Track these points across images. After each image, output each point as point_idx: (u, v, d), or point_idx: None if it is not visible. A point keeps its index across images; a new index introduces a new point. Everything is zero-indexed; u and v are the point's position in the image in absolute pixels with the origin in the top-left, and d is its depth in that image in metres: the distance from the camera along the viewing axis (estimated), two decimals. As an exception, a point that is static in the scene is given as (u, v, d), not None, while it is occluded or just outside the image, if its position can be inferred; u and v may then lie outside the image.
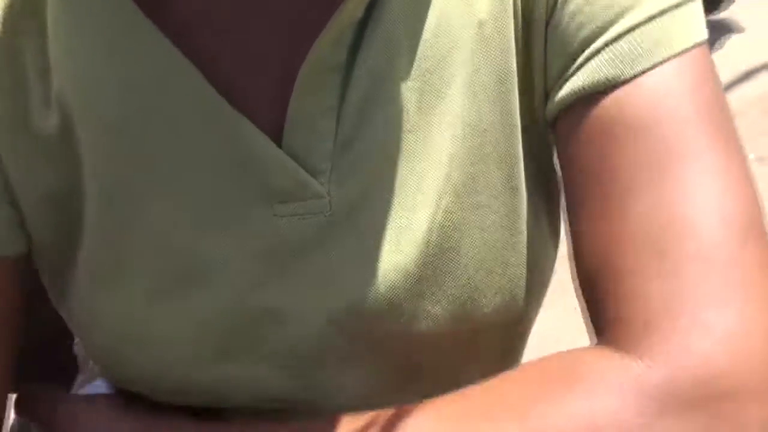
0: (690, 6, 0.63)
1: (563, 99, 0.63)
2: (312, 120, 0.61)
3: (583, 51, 0.62)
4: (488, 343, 0.69)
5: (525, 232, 0.66)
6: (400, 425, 0.58)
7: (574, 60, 0.63)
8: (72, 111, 0.63)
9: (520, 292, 0.66)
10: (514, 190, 0.65)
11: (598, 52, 0.62)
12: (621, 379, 0.54)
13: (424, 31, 0.62)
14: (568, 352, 0.58)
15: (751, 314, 0.54)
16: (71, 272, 0.67)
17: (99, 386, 0.72)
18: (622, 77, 0.61)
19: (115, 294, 0.65)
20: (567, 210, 0.64)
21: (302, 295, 0.64)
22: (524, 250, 0.66)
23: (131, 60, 0.62)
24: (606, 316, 0.58)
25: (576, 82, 0.62)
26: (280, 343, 0.65)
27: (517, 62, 0.64)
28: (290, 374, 0.66)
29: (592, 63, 0.62)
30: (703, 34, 0.63)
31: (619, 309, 0.57)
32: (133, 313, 0.65)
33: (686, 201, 0.57)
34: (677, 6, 0.63)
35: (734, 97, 3.59)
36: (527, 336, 0.74)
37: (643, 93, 0.60)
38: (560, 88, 0.63)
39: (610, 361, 0.55)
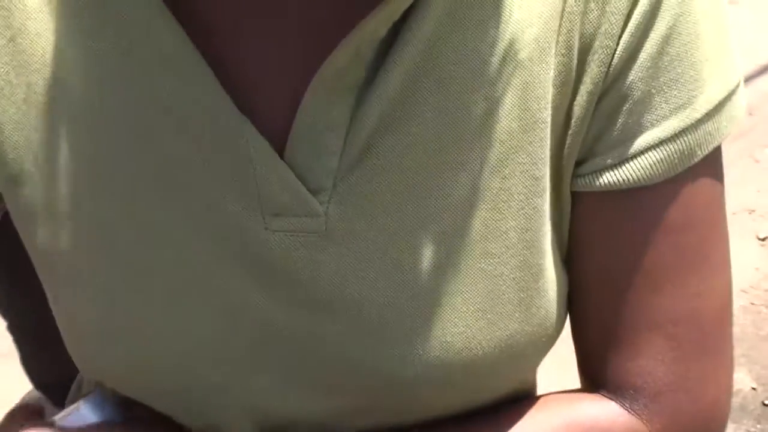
0: (737, 95, 0.63)
1: (603, 184, 0.62)
2: (318, 135, 0.58)
3: (632, 142, 0.60)
4: (483, 392, 0.66)
5: (538, 290, 0.63)
6: None
7: (621, 147, 0.61)
8: (73, 94, 0.60)
9: (522, 349, 0.63)
10: (530, 244, 0.61)
11: (648, 149, 0.61)
12: None
13: (455, 63, 0.58)
14: (581, 406, 0.67)
15: (725, 386, 0.68)
16: (52, 261, 0.64)
17: (83, 415, 0.69)
18: (665, 177, 0.61)
19: (97, 286, 0.62)
20: (575, 274, 0.66)
21: (292, 315, 0.61)
22: (533, 309, 0.63)
23: (142, 43, 0.58)
24: (615, 378, 0.66)
25: (620, 174, 0.61)
26: (265, 355, 0.62)
27: (553, 117, 0.60)
28: (276, 389, 0.64)
29: (640, 160, 0.61)
30: (741, 115, 0.64)
31: (629, 379, 0.66)
32: (114, 307, 0.62)
33: (700, 299, 0.65)
34: (729, 97, 0.62)
35: (750, 91, 3.57)
36: (531, 384, 0.73)
37: (680, 193, 0.63)
38: (600, 171, 0.62)
39: (623, 424, 0.66)
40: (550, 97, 0.60)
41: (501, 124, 0.59)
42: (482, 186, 0.60)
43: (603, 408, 0.66)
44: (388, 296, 0.60)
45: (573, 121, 0.61)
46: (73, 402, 0.73)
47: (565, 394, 0.69)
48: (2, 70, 0.60)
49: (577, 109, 0.60)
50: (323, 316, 0.60)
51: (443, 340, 0.61)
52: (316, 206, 0.59)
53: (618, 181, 0.61)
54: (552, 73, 0.59)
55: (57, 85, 0.60)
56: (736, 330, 2.48)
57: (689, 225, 0.63)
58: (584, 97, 0.60)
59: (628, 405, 0.66)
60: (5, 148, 0.61)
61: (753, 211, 2.92)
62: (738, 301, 2.54)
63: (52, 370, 1.36)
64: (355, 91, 0.57)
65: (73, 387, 0.84)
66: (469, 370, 0.62)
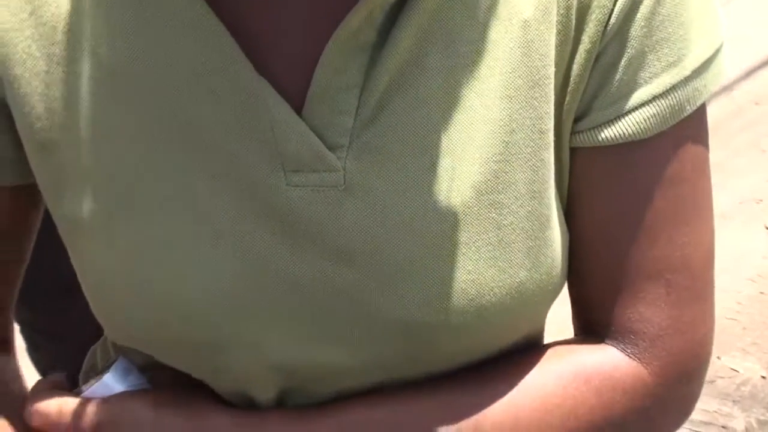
0: (721, 54, 0.67)
1: (600, 139, 0.66)
2: (334, 95, 0.62)
3: (627, 98, 0.65)
4: (495, 338, 0.69)
5: (545, 239, 0.66)
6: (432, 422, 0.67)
7: (616, 104, 0.65)
8: (95, 64, 0.63)
9: (531, 295, 0.66)
10: (538, 194, 0.65)
11: (642, 104, 0.65)
12: (635, 386, 0.70)
13: (463, 24, 0.62)
14: (584, 354, 0.71)
15: (711, 325, 0.72)
16: (79, 225, 0.66)
17: (108, 385, 0.71)
18: (657, 131, 0.66)
19: (124, 245, 0.65)
20: (575, 227, 0.70)
21: (314, 267, 0.64)
22: (541, 257, 0.66)
23: (163, 12, 0.61)
24: (614, 326, 0.70)
25: (617, 129, 0.65)
26: (290, 309, 0.65)
27: (556, 73, 0.64)
28: (299, 342, 0.66)
29: (635, 115, 0.65)
30: (725, 73, 0.68)
31: (630, 325, 0.70)
32: (142, 263, 0.64)
33: (691, 248, 0.69)
34: (715, 55, 0.66)
35: (757, 82, 3.57)
36: (539, 332, 0.76)
37: (671, 146, 0.67)
38: (598, 126, 0.66)
39: (625, 369, 0.70)
40: (552, 54, 0.64)
41: (507, 81, 0.63)
42: (491, 140, 0.63)
43: (605, 355, 0.70)
44: (404, 246, 0.63)
45: (572, 78, 0.65)
46: (88, 379, 0.75)
47: (569, 345, 0.72)
48: (25, 43, 0.63)
49: (576, 67, 0.65)
50: (343, 267, 0.64)
51: (457, 287, 0.64)
52: (335, 162, 0.62)
53: (614, 135, 0.66)
54: (554, 32, 0.63)
55: (78, 56, 0.62)
56: (745, 319, 2.49)
57: (680, 177, 0.68)
58: (582, 56, 0.64)
59: (628, 350, 0.70)
60: (31, 119, 0.64)
61: (761, 200, 2.92)
62: (746, 290, 2.55)
63: (59, 362, 1.38)
64: (368, 52, 0.61)
65: (86, 363, 0.85)
66: (483, 315, 0.65)
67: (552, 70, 0.64)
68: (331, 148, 0.62)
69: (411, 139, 0.62)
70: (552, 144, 0.65)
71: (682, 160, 0.68)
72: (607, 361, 0.70)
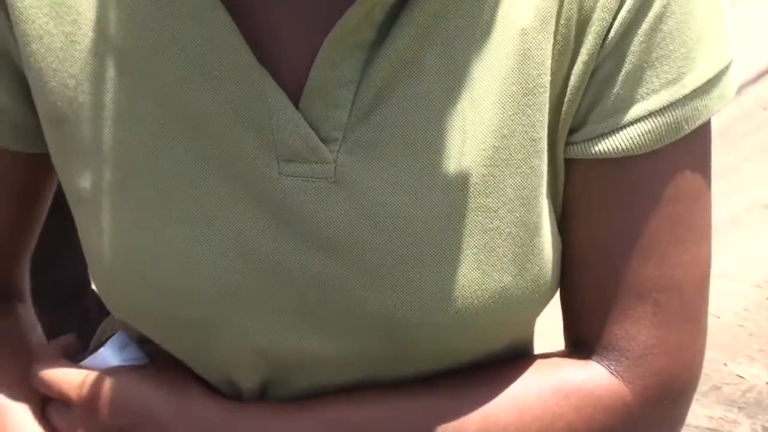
0: (728, 75, 0.67)
1: (594, 152, 0.65)
2: (330, 89, 0.63)
3: (623, 112, 0.65)
4: (478, 342, 0.69)
5: (533, 247, 0.66)
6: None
7: (612, 117, 0.65)
8: (108, 44, 0.65)
9: (515, 302, 0.66)
10: (527, 202, 0.65)
11: (638, 120, 0.65)
12: (615, 404, 0.69)
13: (463, 28, 0.63)
14: (568, 370, 0.71)
15: (701, 350, 0.72)
16: (84, 198, 0.68)
17: (105, 358, 0.73)
18: (653, 148, 0.65)
19: (122, 221, 0.66)
20: (568, 238, 0.69)
21: (301, 256, 0.65)
22: (528, 264, 0.66)
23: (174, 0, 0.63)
24: (600, 341, 0.70)
25: (611, 143, 0.65)
26: (276, 295, 0.66)
27: (552, 83, 0.64)
28: (283, 328, 0.67)
29: (630, 130, 0.65)
30: (731, 95, 0.68)
31: (615, 342, 0.69)
32: (138, 240, 0.66)
33: (683, 269, 0.69)
34: (720, 76, 0.66)
35: (764, 86, 3.56)
36: (526, 341, 0.76)
37: (668, 164, 0.67)
38: (592, 139, 0.65)
39: (607, 387, 0.69)
40: (549, 64, 0.64)
41: (502, 87, 0.64)
42: (482, 144, 0.64)
43: (589, 371, 0.70)
44: (390, 242, 0.64)
45: (569, 89, 0.65)
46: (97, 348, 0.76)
47: (553, 359, 0.72)
48: (43, 20, 0.65)
49: (574, 79, 0.65)
50: (329, 258, 0.64)
51: (439, 287, 0.64)
52: (327, 154, 0.63)
53: (608, 149, 0.65)
54: (551, 42, 0.64)
55: (93, 36, 0.65)
56: (752, 325, 2.48)
57: (676, 197, 0.67)
58: (580, 67, 0.64)
59: (612, 367, 0.70)
60: (45, 93, 0.67)
61: (768, 206, 2.91)
62: (753, 297, 2.54)
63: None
64: (366, 49, 0.62)
65: (94, 340, 0.86)
66: (464, 317, 0.65)
67: (548, 79, 0.64)
68: (325, 140, 0.63)
69: (404, 137, 0.63)
70: (545, 152, 0.65)
71: (679, 179, 0.67)
72: (589, 378, 0.70)
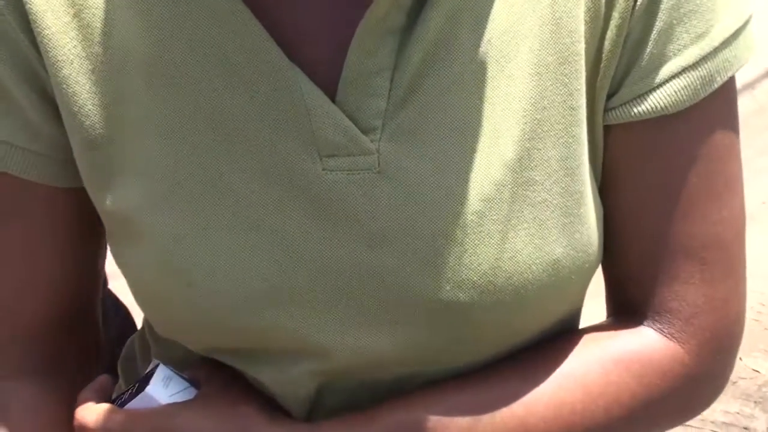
0: (750, 26, 0.67)
1: (633, 114, 0.66)
2: (366, 78, 0.62)
3: (658, 71, 0.65)
4: (534, 318, 0.69)
5: (580, 216, 0.66)
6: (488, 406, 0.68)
7: (647, 78, 0.65)
8: (135, 60, 0.64)
9: (567, 273, 0.66)
10: (571, 171, 0.65)
11: (673, 77, 0.65)
12: (673, 368, 0.70)
13: (492, 3, 0.63)
14: (623, 339, 0.71)
15: (744, 299, 0.72)
16: (122, 218, 0.67)
17: (150, 398, 0.70)
18: (689, 103, 0.66)
19: (165, 235, 0.65)
20: (610, 205, 0.70)
21: (351, 251, 0.64)
22: (576, 234, 0.66)
23: (195, 4, 0.63)
24: (650, 305, 0.70)
25: (649, 103, 0.65)
26: (327, 293, 0.65)
27: (587, 49, 0.65)
28: (338, 327, 0.66)
29: (666, 88, 0.65)
30: (754, 49, 0.68)
31: (666, 304, 0.70)
32: (183, 253, 0.65)
33: (723, 224, 0.69)
34: (744, 26, 0.67)
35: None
36: (576, 314, 0.76)
37: (703, 120, 0.67)
38: (630, 101, 0.66)
39: (664, 351, 0.70)
40: (582, 31, 0.64)
41: (537, 58, 0.64)
42: (523, 118, 0.64)
43: (643, 338, 0.71)
44: (440, 226, 0.64)
45: (604, 55, 0.66)
46: (132, 375, 0.75)
47: (607, 330, 0.72)
48: (71, 44, 0.65)
49: (608, 43, 0.65)
50: (380, 249, 0.64)
51: (494, 265, 0.64)
52: (369, 145, 0.63)
53: (646, 110, 0.66)
54: (583, 9, 0.64)
55: (120, 53, 0.64)
56: (767, 320, 2.48)
57: (712, 153, 0.68)
58: (613, 32, 0.65)
59: (666, 330, 0.70)
60: (80, 117, 0.66)
61: (783, 200, 2.91)
62: (768, 291, 2.53)
63: None
64: (398, 35, 0.62)
65: (124, 351, 0.85)
66: (520, 293, 0.65)
67: (582, 46, 0.64)
68: (365, 131, 0.63)
69: (443, 119, 0.63)
70: (584, 120, 0.66)
71: (714, 135, 0.68)
72: (645, 344, 0.70)
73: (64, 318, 0.77)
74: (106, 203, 0.68)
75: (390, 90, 0.63)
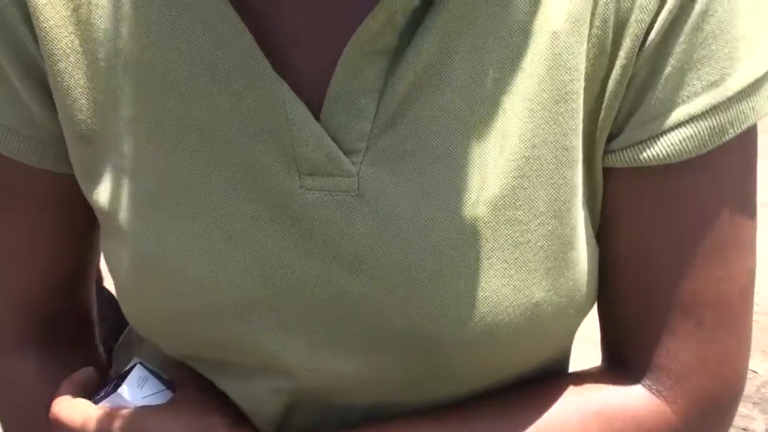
0: None
1: (634, 160, 0.63)
2: (352, 99, 0.61)
3: (664, 117, 0.62)
4: (512, 359, 0.67)
5: (567, 261, 0.64)
6: None
7: (652, 123, 0.62)
8: (129, 60, 0.64)
9: (549, 318, 0.64)
10: (559, 214, 0.63)
11: (679, 125, 0.62)
12: (658, 427, 0.68)
13: (490, 32, 0.60)
14: (608, 391, 0.69)
15: (745, 359, 0.69)
16: (108, 214, 0.67)
17: (123, 399, 0.70)
18: (696, 153, 0.62)
19: (142, 236, 0.65)
20: (608, 250, 0.67)
21: (325, 273, 0.63)
22: (561, 279, 0.64)
23: (188, 11, 0.62)
24: (642, 359, 0.68)
25: (652, 150, 0.62)
26: (298, 313, 0.64)
27: (586, 88, 0.62)
28: (307, 347, 0.65)
29: (671, 136, 0.62)
30: None
31: (657, 360, 0.67)
32: (161, 245, 0.65)
33: (727, 283, 0.66)
34: (766, 76, 0.62)
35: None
36: (563, 357, 0.74)
37: (712, 171, 0.63)
38: (632, 146, 0.63)
39: (650, 408, 0.67)
40: (583, 69, 0.61)
41: (532, 94, 0.61)
42: (512, 153, 0.61)
43: (629, 393, 0.68)
44: (416, 257, 0.62)
45: (607, 94, 0.62)
46: (120, 356, 0.76)
47: (594, 379, 0.70)
48: (68, 39, 0.65)
49: (612, 83, 0.62)
50: (353, 274, 0.63)
51: (469, 303, 0.62)
52: (349, 166, 0.62)
53: (648, 157, 0.63)
54: (585, 46, 0.61)
55: (115, 52, 0.64)
56: (765, 320, 2.48)
57: (721, 205, 0.64)
58: (618, 71, 0.62)
59: (654, 387, 0.68)
60: (74, 110, 0.66)
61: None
62: (765, 292, 2.53)
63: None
64: (389, 56, 0.60)
65: (122, 338, 0.86)
66: (494, 334, 0.63)
67: (581, 84, 0.61)
68: (347, 152, 0.62)
69: (429, 147, 0.61)
70: (579, 162, 0.63)
71: (724, 188, 0.64)
72: (631, 400, 0.68)
73: (60, 290, 0.78)
74: (92, 197, 0.68)
75: (376, 113, 0.61)
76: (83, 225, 0.75)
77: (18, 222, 0.74)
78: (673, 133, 0.62)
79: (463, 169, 0.61)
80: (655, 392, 0.68)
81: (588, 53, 0.61)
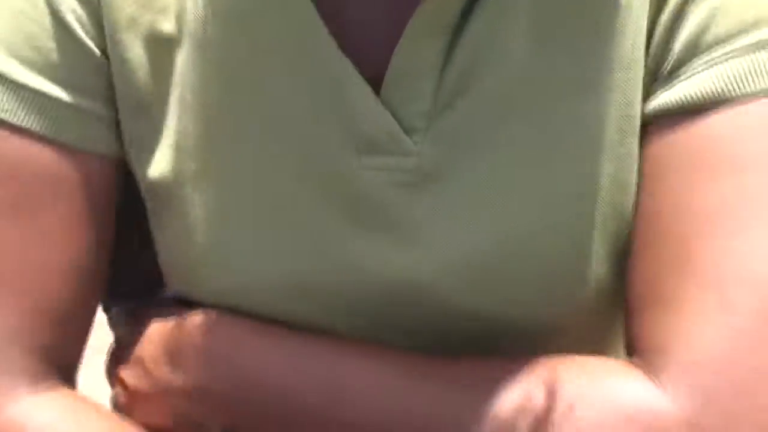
0: None
1: (662, 105, 0.60)
2: (413, 77, 0.61)
3: (695, 57, 0.60)
4: (577, 341, 0.64)
5: (624, 236, 0.62)
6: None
7: (682, 65, 0.60)
8: (191, 35, 0.64)
9: (609, 298, 0.63)
10: (621, 187, 0.62)
11: (709, 66, 0.60)
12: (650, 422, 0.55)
13: (546, 5, 0.60)
14: (611, 380, 0.58)
15: None
16: (162, 190, 0.67)
17: None
18: (726, 96, 0.59)
19: (203, 215, 0.65)
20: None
21: (384, 254, 0.62)
22: (620, 255, 0.62)
23: None
24: (652, 342, 0.58)
25: (675, 93, 0.60)
26: (352, 293, 0.63)
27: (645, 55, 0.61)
28: (367, 331, 0.64)
29: (699, 77, 0.60)
30: None
31: (667, 342, 0.57)
32: (218, 235, 0.64)
33: (754, 255, 0.57)
34: None
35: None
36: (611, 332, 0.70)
37: (741, 121, 0.59)
38: (659, 93, 0.61)
39: (648, 410, 0.56)
40: (644, 38, 0.61)
41: (595, 64, 0.60)
42: (574, 126, 0.61)
43: (633, 382, 0.58)
44: (478, 237, 0.61)
45: (653, 42, 0.61)
46: None
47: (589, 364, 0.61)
48: (130, 9, 0.65)
49: (657, 33, 0.61)
50: (414, 255, 0.62)
51: (536, 284, 0.61)
52: (410, 145, 0.61)
53: (674, 100, 0.60)
54: (647, 15, 0.61)
55: (176, 25, 0.64)
56: None
57: (750, 163, 0.59)
58: (667, 15, 0.61)
59: (660, 377, 0.57)
60: (131, 81, 0.66)
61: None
62: None
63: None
64: (447, 35, 0.60)
65: None
66: (565, 318, 0.63)
67: (642, 53, 0.61)
68: (408, 131, 0.61)
69: (490, 123, 0.60)
70: (638, 130, 0.61)
71: (748, 142, 0.59)
72: (630, 395, 0.57)
73: (79, 305, 0.69)
74: (146, 170, 0.67)
75: (436, 90, 0.61)
76: (112, 225, 0.70)
77: (59, 224, 0.67)
78: (700, 75, 0.59)
79: (526, 147, 0.60)
80: (656, 383, 0.57)
81: (648, 21, 0.61)
